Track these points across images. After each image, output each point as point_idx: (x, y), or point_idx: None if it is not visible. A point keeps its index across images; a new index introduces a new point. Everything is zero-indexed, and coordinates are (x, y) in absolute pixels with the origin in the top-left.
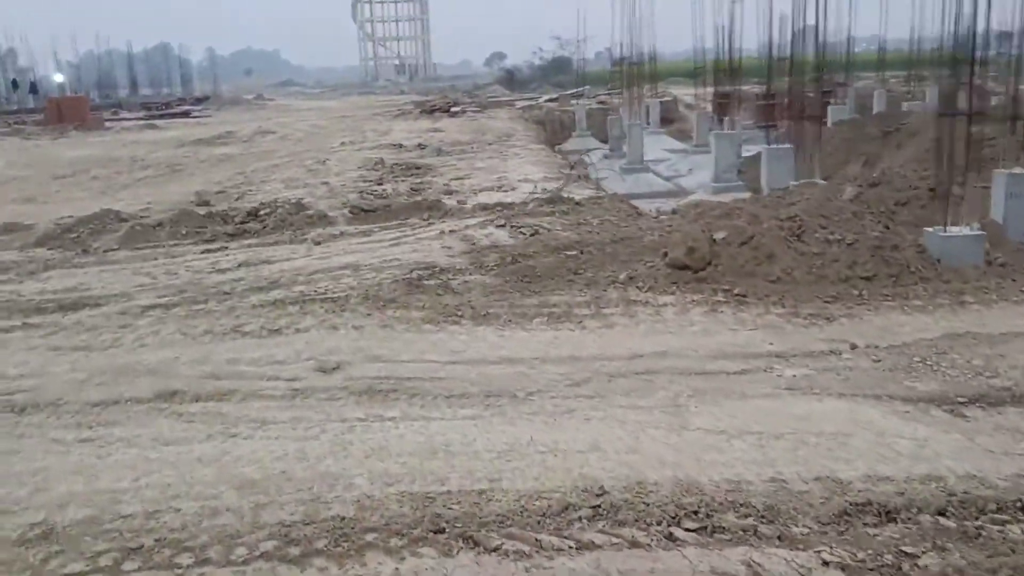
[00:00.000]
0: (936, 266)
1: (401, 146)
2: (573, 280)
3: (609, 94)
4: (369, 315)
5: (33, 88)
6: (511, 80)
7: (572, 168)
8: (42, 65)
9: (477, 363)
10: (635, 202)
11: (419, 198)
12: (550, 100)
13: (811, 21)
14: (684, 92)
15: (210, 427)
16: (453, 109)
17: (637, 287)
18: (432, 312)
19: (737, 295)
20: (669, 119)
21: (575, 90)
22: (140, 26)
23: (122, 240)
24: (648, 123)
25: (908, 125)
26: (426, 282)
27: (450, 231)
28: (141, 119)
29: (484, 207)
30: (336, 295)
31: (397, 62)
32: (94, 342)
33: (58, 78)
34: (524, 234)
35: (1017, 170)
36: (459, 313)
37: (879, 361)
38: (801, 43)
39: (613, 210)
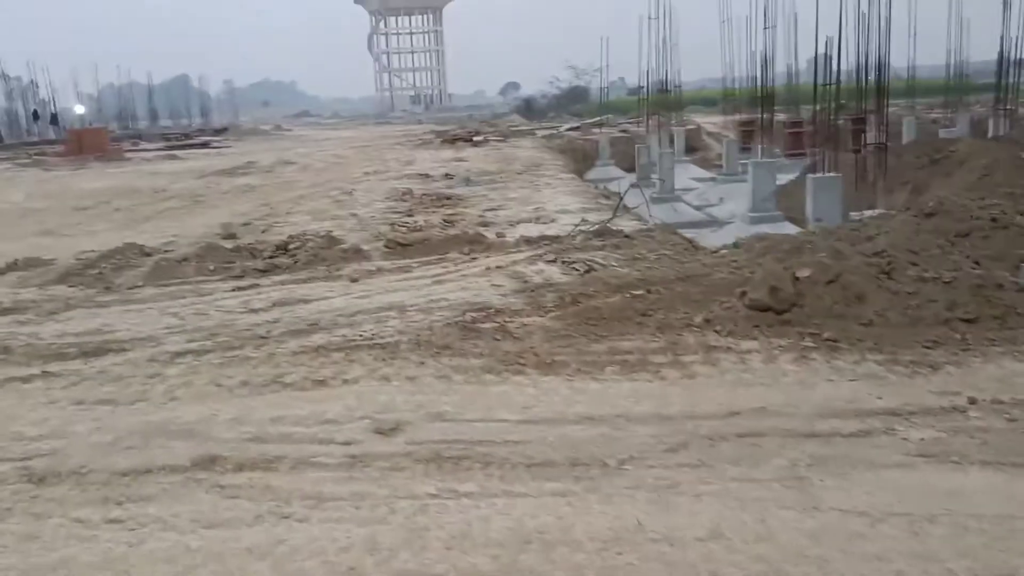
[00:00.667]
0: None
1: (428, 176)
2: (642, 323)
3: (631, 122)
4: (422, 363)
5: (54, 120)
6: (529, 109)
7: (621, 200)
8: (63, 97)
9: (553, 422)
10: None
11: (455, 231)
12: (571, 129)
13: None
14: (704, 120)
15: (258, 505)
16: (476, 138)
17: (715, 331)
18: (492, 360)
19: (827, 340)
20: (693, 147)
21: (596, 119)
22: (160, 59)
23: (147, 276)
24: (673, 151)
25: (957, 152)
26: (481, 325)
27: (496, 267)
28: (161, 150)
29: (528, 240)
30: (384, 340)
31: (413, 92)
32: (121, 395)
33: (79, 110)
34: (578, 270)
35: None
36: (522, 361)
37: (1014, 421)
38: (827, 70)
39: (667, 244)
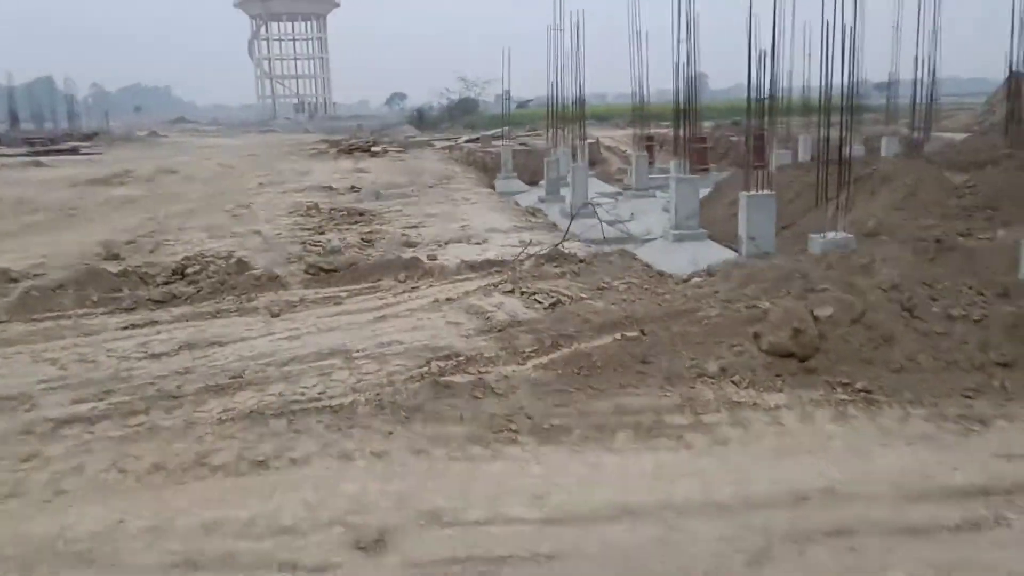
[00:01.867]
0: None
1: (332, 188)
2: (645, 372)
3: (529, 135)
4: (391, 434)
5: None
6: (421, 120)
7: (572, 219)
8: None
9: (584, 521)
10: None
11: (378, 252)
12: (470, 141)
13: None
14: (601, 134)
15: None
16: (374, 149)
17: (733, 381)
18: (476, 426)
19: (862, 391)
20: (592, 161)
21: (496, 131)
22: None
23: (13, 309)
24: (586, 166)
25: (879, 170)
26: (453, 378)
27: (447, 299)
28: (24, 155)
29: (471, 266)
30: (335, 401)
31: (296, 101)
32: None
33: None
34: (541, 303)
35: None
36: (513, 427)
37: None
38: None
39: (629, 270)
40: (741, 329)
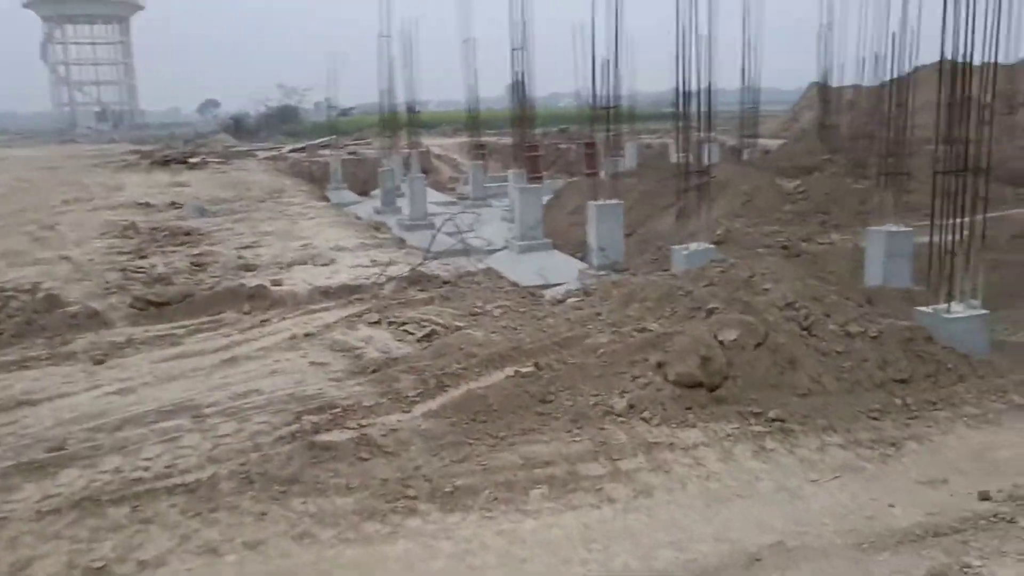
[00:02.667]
0: (968, 359)
1: (149, 205)
2: (547, 414)
3: (357, 144)
4: (264, 515)
5: None
6: (238, 129)
7: (434, 237)
8: None
9: None
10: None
11: (211, 277)
12: (296, 150)
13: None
14: (430, 142)
15: None
16: (192, 160)
17: (643, 418)
18: (368, 496)
19: (775, 420)
20: (424, 170)
21: (323, 140)
22: None
23: None
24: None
25: (716, 178)
26: (331, 436)
27: (305, 335)
28: None
29: (325, 292)
30: (189, 476)
31: (98, 108)
32: None
33: None
34: (413, 334)
35: (892, 227)
36: (411, 493)
37: None
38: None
39: (500, 291)
40: (639, 357)
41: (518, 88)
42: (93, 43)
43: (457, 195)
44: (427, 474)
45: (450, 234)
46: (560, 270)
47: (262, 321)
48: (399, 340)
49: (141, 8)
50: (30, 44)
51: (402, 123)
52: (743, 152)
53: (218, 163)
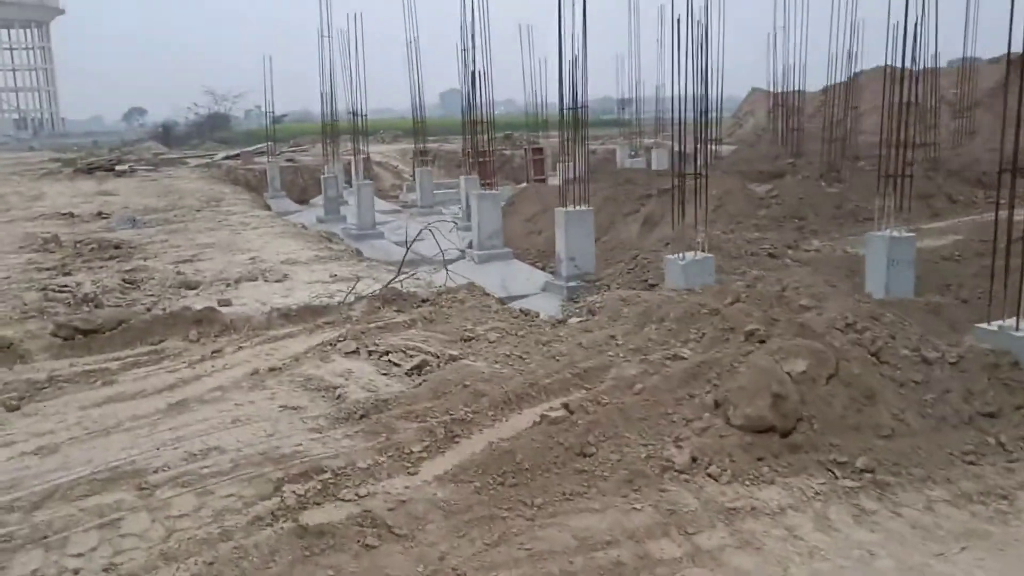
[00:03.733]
0: None
1: (74, 216)
2: (591, 472)
3: (294, 151)
4: None
5: None
6: (167, 136)
7: (408, 249)
8: None
9: None
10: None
11: (147, 295)
12: (230, 157)
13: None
14: (370, 150)
15: None
16: (119, 167)
17: (710, 475)
18: None
19: (864, 472)
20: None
21: (258, 146)
22: None
23: None
24: (372, 184)
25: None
26: (324, 515)
27: (270, 369)
28: None
29: (285, 315)
30: None
31: (17, 116)
32: None
33: None
34: (399, 365)
35: (894, 232)
36: None
37: None
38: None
39: (487, 310)
40: (683, 393)
41: (471, 90)
42: (11, 48)
43: (400, 203)
44: (457, 566)
45: (399, 243)
46: (521, 281)
47: (214, 352)
48: (384, 374)
49: (61, 12)
50: None
51: (343, 129)
52: (696, 157)
53: (147, 170)
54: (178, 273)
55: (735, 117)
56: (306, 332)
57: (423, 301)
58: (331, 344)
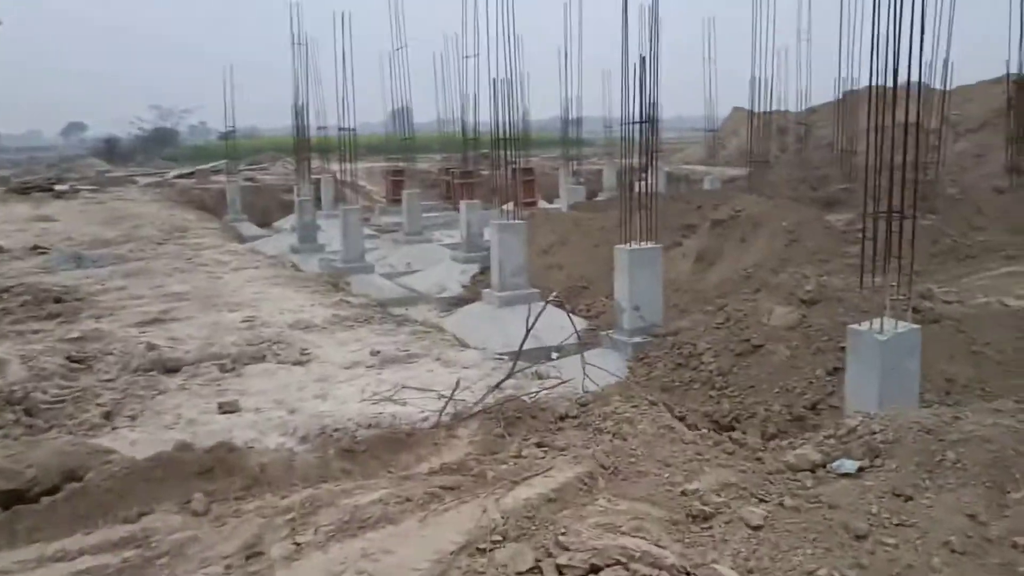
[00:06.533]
0: None
1: (1, 249)
2: None
3: (253, 169)
4: None
5: None
6: (111, 153)
7: (528, 330)
8: None
9: None
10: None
11: (103, 386)
12: (182, 176)
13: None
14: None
15: None
16: (59, 188)
17: None
18: None
19: None
20: (334, 199)
21: (215, 164)
22: None
23: None
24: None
25: (744, 212)
26: None
27: None
28: None
29: (346, 449)
30: None
31: None
32: None
33: None
34: None
35: None
36: None
37: None
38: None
39: (667, 432)
40: None
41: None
42: None
43: (374, 226)
44: None
45: (387, 276)
46: (557, 330)
47: (248, 554)
48: None
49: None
50: None
51: (312, 146)
52: (705, 181)
53: (92, 190)
54: (148, 346)
55: (718, 137)
56: (397, 492)
57: (561, 419)
58: (481, 549)
